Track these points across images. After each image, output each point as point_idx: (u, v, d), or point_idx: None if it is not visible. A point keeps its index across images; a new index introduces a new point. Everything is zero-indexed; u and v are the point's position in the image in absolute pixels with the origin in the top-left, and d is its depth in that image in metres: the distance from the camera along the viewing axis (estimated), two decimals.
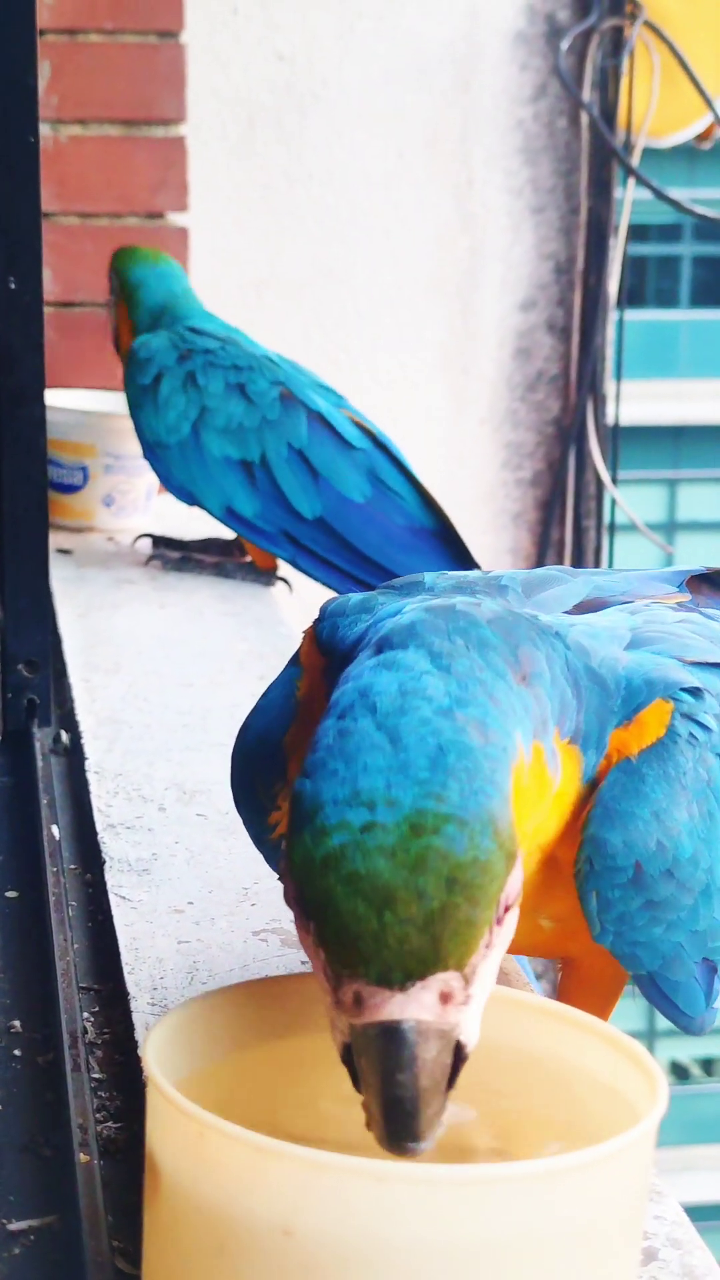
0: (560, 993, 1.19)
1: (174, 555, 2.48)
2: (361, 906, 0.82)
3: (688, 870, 1.08)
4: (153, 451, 2.39)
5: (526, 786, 0.96)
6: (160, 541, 2.50)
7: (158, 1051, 0.82)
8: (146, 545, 2.52)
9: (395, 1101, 0.81)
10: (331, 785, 0.86)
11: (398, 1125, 0.81)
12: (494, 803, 0.87)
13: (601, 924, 1.08)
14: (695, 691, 1.12)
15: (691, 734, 1.11)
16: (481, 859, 0.84)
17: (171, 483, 2.39)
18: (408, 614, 1.00)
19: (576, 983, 1.19)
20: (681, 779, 1.09)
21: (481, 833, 0.85)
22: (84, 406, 2.66)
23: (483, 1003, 0.86)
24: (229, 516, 2.36)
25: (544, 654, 1.04)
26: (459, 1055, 0.84)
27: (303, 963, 1.30)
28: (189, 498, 2.39)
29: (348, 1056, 0.85)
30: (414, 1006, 0.82)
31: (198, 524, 2.64)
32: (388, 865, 0.82)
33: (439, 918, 0.82)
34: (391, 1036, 0.82)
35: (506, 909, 0.88)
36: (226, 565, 2.45)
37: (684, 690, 1.12)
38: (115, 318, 2.55)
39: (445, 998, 0.83)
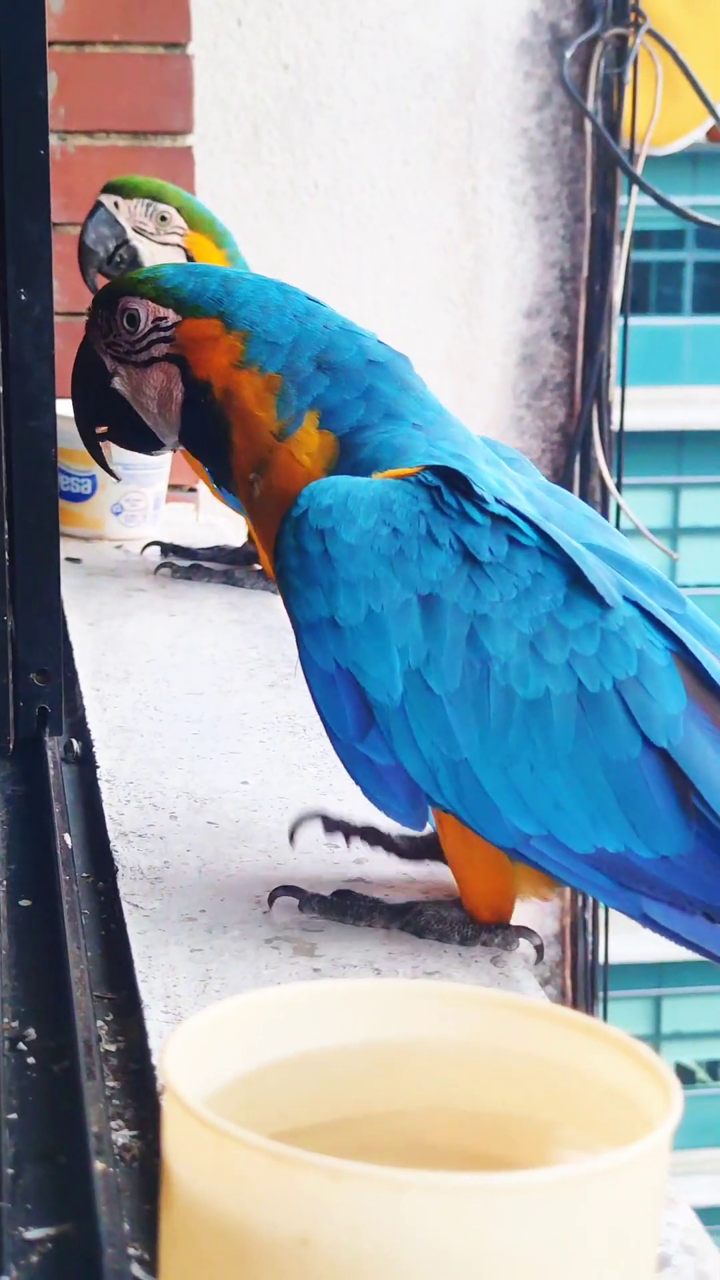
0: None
1: (183, 563, 2.49)
2: None
3: (341, 554, 1.20)
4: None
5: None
6: (169, 549, 2.51)
7: (175, 1060, 0.82)
8: (155, 553, 2.53)
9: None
10: None
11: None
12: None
13: (276, 549, 1.25)
14: (480, 504, 1.22)
15: (437, 508, 1.21)
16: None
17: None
18: None
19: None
20: (387, 510, 1.21)
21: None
22: None
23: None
24: None
25: (373, 385, 1.28)
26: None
27: (314, 971, 1.31)
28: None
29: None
30: None
31: (206, 532, 2.64)
32: None
33: None
34: None
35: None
36: (235, 573, 2.46)
37: (463, 482, 1.22)
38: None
39: None
